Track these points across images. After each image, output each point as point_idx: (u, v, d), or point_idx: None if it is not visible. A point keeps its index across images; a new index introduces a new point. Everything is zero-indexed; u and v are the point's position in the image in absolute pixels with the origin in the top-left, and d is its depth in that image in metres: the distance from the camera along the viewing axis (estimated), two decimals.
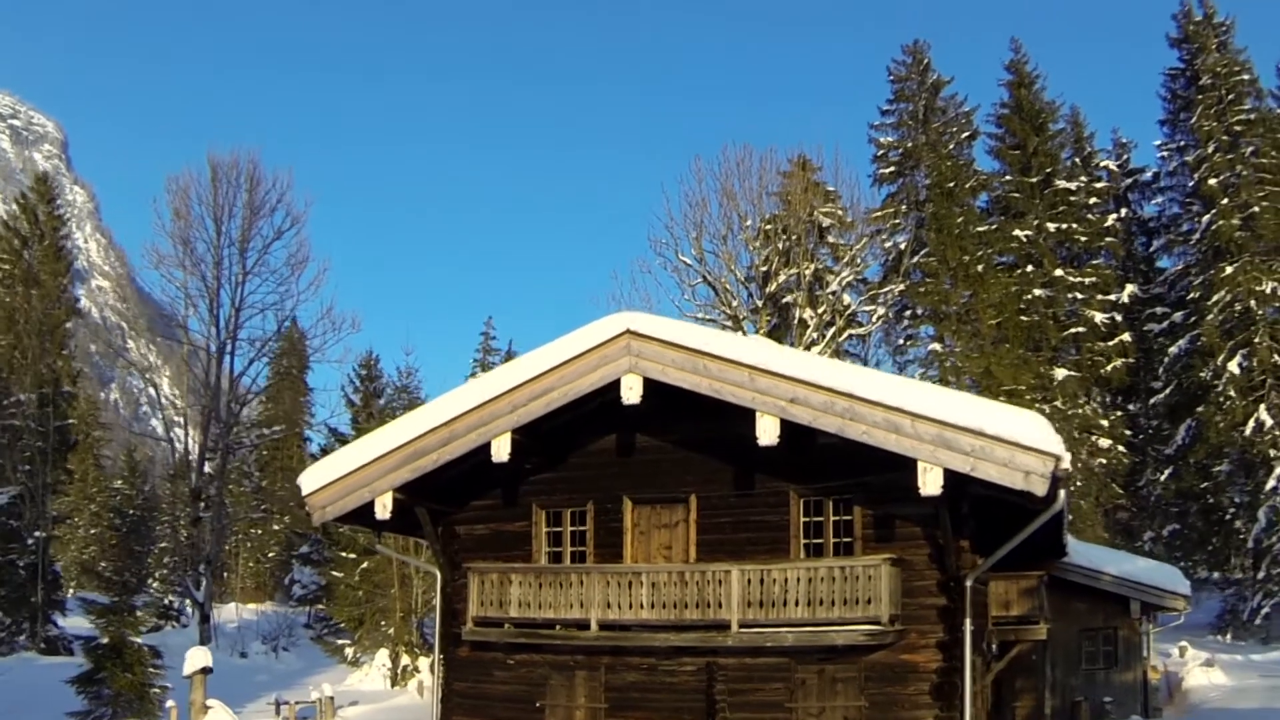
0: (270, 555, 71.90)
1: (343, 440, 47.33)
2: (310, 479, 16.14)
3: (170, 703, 18.91)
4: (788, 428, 13.45)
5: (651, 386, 14.18)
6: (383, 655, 28.19)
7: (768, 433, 13.43)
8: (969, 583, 13.91)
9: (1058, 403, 41.20)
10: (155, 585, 79.66)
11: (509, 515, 16.40)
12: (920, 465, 12.63)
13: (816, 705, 14.20)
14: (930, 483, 12.60)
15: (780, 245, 40.97)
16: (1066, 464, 12.57)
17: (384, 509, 15.41)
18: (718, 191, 41.03)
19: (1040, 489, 12.33)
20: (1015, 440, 12.35)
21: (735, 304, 40.30)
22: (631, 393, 14.07)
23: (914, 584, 14.06)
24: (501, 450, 14.65)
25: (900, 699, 13.95)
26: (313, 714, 23.20)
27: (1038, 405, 40.60)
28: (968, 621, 13.74)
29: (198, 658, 16.88)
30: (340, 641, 30.78)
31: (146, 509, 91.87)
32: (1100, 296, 43.16)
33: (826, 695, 14.18)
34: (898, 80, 47.88)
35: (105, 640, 20.48)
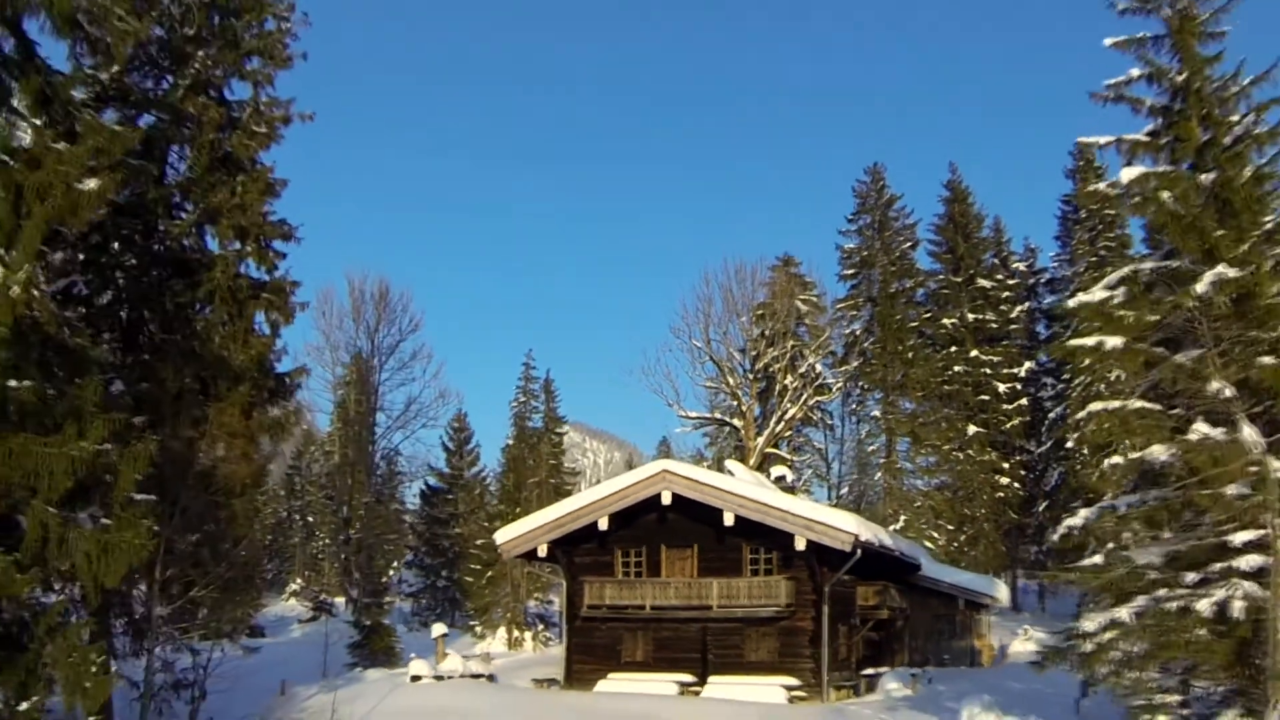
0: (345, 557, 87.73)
1: (440, 475, 63.44)
2: (501, 535, 31.88)
3: (413, 655, 34.23)
4: (739, 517, 28.92)
5: (677, 496, 29.71)
6: (501, 631, 43.89)
7: (729, 519, 28.95)
8: (827, 588, 29.23)
9: (970, 451, 56.32)
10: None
11: (602, 552, 31.88)
12: (796, 536, 28.07)
13: (755, 646, 29.68)
14: (800, 544, 28.05)
15: (766, 331, 56.24)
16: (864, 538, 28.04)
17: (543, 551, 31.12)
18: (721, 292, 56.67)
19: (848, 548, 27.77)
20: (838, 526, 27.78)
21: (734, 380, 55.68)
22: (666, 499, 29.63)
23: (801, 589, 29.42)
24: (603, 524, 30.32)
25: (795, 643, 29.36)
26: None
27: (954, 454, 56.02)
28: (826, 608, 29.10)
29: (439, 629, 32.62)
30: (470, 622, 46.65)
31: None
32: (1006, 370, 58.03)
33: (760, 641, 29.65)
34: (860, 196, 62.01)
35: (369, 622, 36.32)
